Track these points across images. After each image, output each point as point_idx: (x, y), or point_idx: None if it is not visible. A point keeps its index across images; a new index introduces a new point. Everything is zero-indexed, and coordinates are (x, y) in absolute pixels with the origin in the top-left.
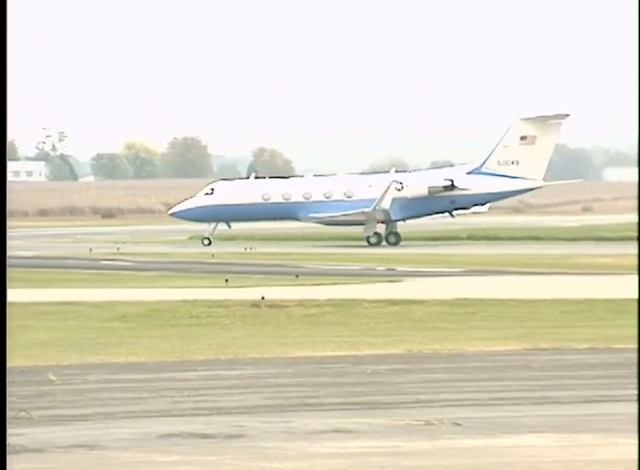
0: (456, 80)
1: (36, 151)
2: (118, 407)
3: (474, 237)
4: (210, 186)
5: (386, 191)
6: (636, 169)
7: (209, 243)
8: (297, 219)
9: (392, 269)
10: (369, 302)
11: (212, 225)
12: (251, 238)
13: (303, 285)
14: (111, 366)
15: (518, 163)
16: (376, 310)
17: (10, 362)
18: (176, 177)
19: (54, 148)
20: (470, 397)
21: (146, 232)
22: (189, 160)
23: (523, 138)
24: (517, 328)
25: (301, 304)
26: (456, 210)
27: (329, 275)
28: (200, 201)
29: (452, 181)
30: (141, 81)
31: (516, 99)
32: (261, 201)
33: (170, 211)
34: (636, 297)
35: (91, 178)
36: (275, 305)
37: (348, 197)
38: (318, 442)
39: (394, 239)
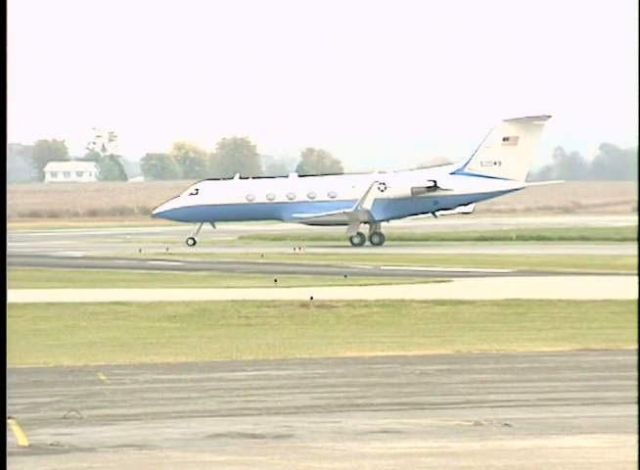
0: (497, 82)
1: (86, 151)
2: (168, 407)
3: (523, 237)
4: (195, 186)
5: (367, 192)
6: None
7: (194, 243)
8: (280, 220)
9: (441, 270)
10: (417, 302)
11: (197, 225)
12: (298, 238)
13: (352, 285)
14: (160, 366)
15: (500, 163)
16: (424, 311)
17: (60, 362)
18: (225, 177)
19: (104, 148)
20: (519, 397)
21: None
22: (238, 160)
23: (505, 139)
24: (567, 329)
25: (350, 304)
26: (439, 210)
27: (377, 275)
28: (184, 201)
29: (435, 182)
30: (190, 81)
31: (548, 99)
32: (245, 201)
33: (155, 212)
34: None
35: (141, 179)
36: (324, 306)
37: (332, 197)
38: (367, 442)
39: (378, 239)
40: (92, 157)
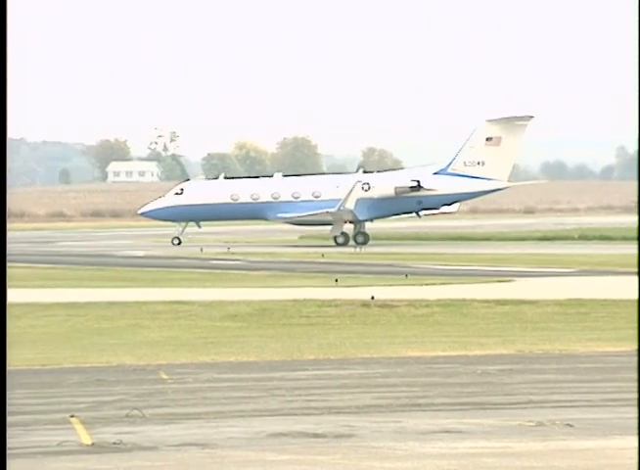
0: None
1: (148, 151)
2: (229, 406)
3: (586, 237)
4: (180, 186)
5: (350, 191)
6: None
7: (179, 243)
8: (265, 219)
9: (503, 269)
10: (479, 302)
11: (182, 225)
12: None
13: (413, 285)
14: (221, 365)
15: (483, 163)
16: (486, 310)
17: (122, 361)
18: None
19: (165, 148)
20: (582, 398)
21: (256, 232)
22: (299, 159)
23: (488, 139)
24: (629, 329)
25: (411, 304)
26: (423, 210)
27: (438, 275)
28: (169, 201)
29: (418, 182)
30: (251, 81)
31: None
32: (230, 201)
33: (140, 211)
34: None
35: (202, 178)
36: (385, 305)
37: (316, 197)
38: (428, 442)
39: (362, 239)
40: (154, 156)
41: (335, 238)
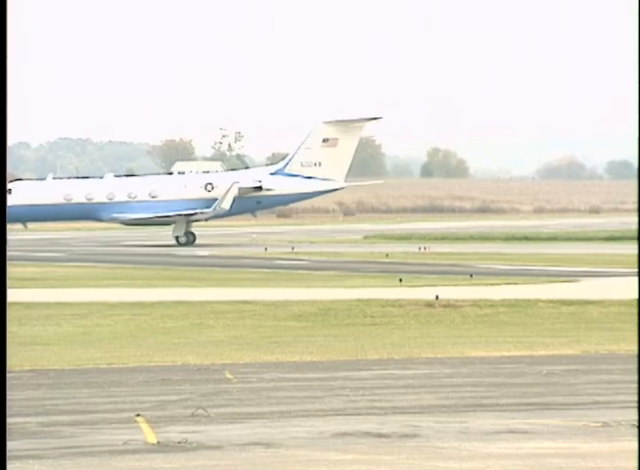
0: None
1: (213, 151)
2: (294, 406)
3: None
4: (8, 186)
5: (227, 192)
6: None
7: None
8: (100, 220)
9: (568, 269)
10: (544, 302)
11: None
12: (424, 238)
13: (477, 285)
14: (286, 365)
15: (320, 164)
16: (551, 311)
17: (187, 360)
18: (350, 177)
19: (230, 148)
20: None
21: (320, 232)
22: (363, 159)
23: (325, 140)
24: None
25: (476, 303)
26: (259, 210)
27: (503, 275)
28: None
29: (261, 182)
30: (314, 81)
31: None
32: (63, 201)
33: None
34: None
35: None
36: (449, 305)
37: (153, 197)
38: (493, 442)
39: (191, 238)
40: (219, 156)
41: (177, 238)
